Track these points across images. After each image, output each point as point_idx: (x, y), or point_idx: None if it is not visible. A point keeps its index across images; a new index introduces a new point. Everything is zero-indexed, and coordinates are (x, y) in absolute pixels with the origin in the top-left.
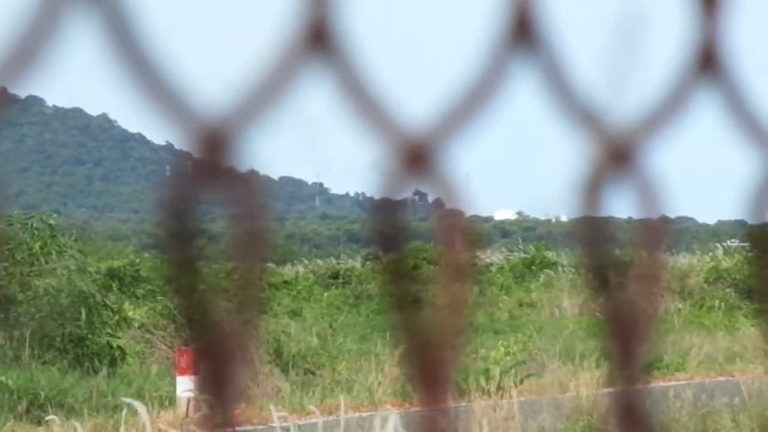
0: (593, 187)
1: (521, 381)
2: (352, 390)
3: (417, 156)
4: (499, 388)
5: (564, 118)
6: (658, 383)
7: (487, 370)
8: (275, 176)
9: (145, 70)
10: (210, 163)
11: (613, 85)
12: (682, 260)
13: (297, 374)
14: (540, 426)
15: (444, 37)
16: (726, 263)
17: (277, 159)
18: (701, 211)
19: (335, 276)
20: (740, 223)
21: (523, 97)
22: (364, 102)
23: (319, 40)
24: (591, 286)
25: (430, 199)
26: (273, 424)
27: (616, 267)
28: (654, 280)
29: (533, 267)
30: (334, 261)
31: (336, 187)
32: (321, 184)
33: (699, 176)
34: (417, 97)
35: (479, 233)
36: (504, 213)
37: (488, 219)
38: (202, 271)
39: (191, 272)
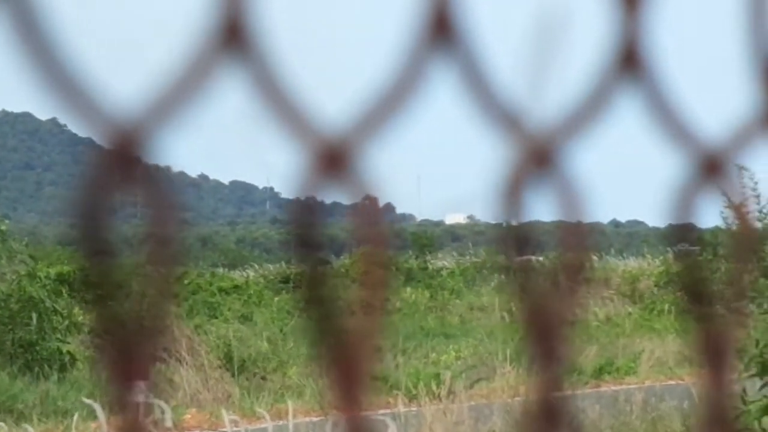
0: (513, 190)
1: (472, 385)
2: (303, 394)
3: (333, 158)
4: (449, 392)
5: (484, 120)
6: (609, 387)
7: (437, 375)
8: (225, 181)
9: (57, 69)
10: (123, 163)
11: (534, 85)
12: (633, 264)
13: (248, 379)
14: (491, 430)
15: (361, 35)
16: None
17: (227, 163)
18: (652, 215)
19: (286, 280)
20: (691, 227)
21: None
22: (275, 102)
23: (233, 38)
24: (512, 289)
25: (348, 201)
26: (224, 429)
27: (535, 271)
28: (568, 282)
29: (484, 271)
30: (284, 265)
31: (287, 192)
32: (272, 189)
33: (649, 179)
34: (335, 97)
35: (395, 235)
36: (455, 217)
37: (439, 223)
38: (114, 273)
39: (105, 275)
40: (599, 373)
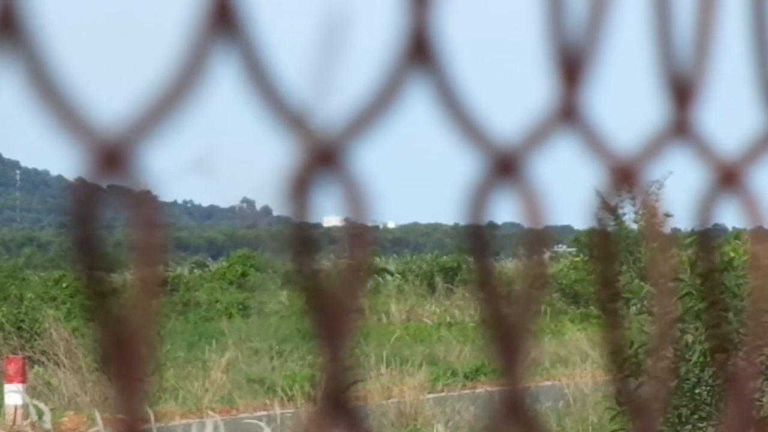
0: (299, 189)
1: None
2: (180, 397)
3: (111, 156)
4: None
5: (269, 118)
6: (485, 388)
7: (312, 377)
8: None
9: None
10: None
11: (321, 83)
12: (509, 265)
13: None
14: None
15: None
16: (552, 268)
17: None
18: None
19: (164, 284)
20: (567, 229)
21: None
22: (48, 98)
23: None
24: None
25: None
26: (97, 430)
27: (324, 272)
28: (352, 282)
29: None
30: (162, 268)
31: (164, 195)
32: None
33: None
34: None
35: (168, 238)
36: (331, 220)
37: (316, 226)
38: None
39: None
40: (475, 374)
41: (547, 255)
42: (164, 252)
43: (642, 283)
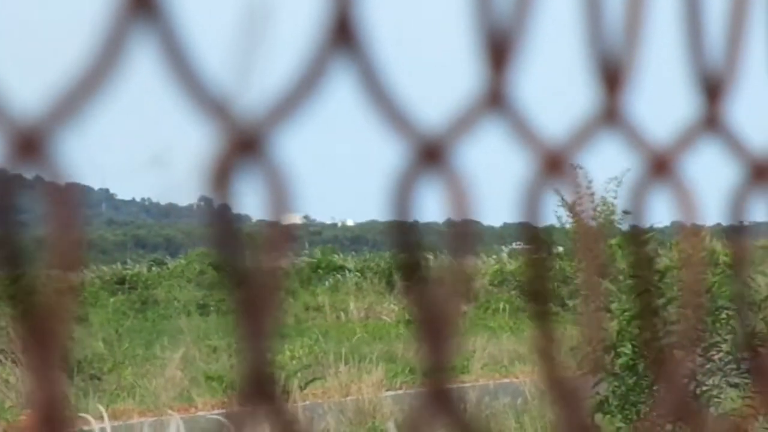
0: (220, 178)
1: (306, 385)
2: (138, 395)
3: (27, 143)
4: (284, 391)
5: (190, 106)
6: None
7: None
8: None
9: None
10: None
11: (242, 68)
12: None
13: (83, 380)
14: (325, 429)
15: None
16: (511, 266)
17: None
18: (487, 213)
19: (121, 281)
20: (525, 226)
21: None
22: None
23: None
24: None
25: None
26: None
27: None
28: (270, 283)
29: (319, 270)
30: (120, 266)
31: (123, 193)
32: (107, 190)
33: (487, 179)
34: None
35: (84, 237)
36: (291, 217)
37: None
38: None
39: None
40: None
41: (476, 249)
42: (80, 248)
43: (600, 280)
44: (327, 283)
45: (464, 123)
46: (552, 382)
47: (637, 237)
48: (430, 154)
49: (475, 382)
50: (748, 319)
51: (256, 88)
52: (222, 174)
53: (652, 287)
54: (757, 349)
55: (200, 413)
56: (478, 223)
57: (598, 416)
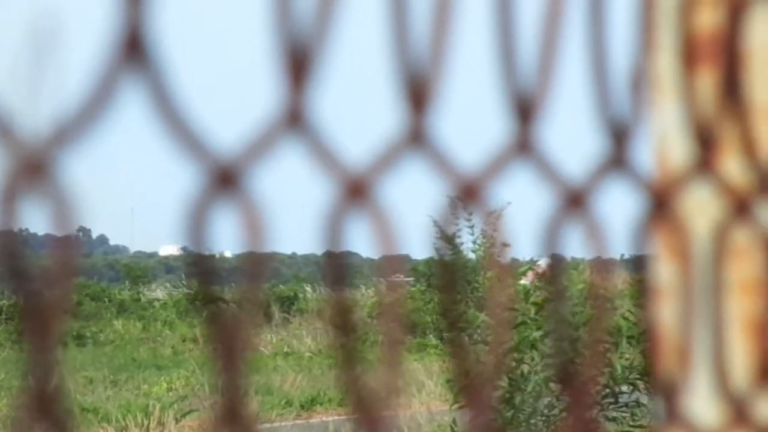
0: (7, 203)
1: (183, 416)
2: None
3: None
4: (159, 423)
5: None
6: (321, 418)
7: (147, 406)
8: None
9: None
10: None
11: (30, 90)
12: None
13: None
14: None
15: None
16: (389, 298)
17: None
18: (365, 245)
19: None
20: (406, 258)
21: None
22: None
23: None
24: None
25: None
26: None
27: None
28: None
29: (197, 302)
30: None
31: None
32: None
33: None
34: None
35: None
36: (169, 248)
37: (153, 254)
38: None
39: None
40: (311, 403)
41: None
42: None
43: (477, 313)
44: (204, 314)
45: (261, 145)
46: (365, 419)
47: (513, 270)
48: (225, 178)
49: (351, 415)
50: (563, 350)
51: (44, 109)
52: (7, 198)
53: (529, 320)
54: (570, 380)
55: None
56: (273, 253)
57: None
